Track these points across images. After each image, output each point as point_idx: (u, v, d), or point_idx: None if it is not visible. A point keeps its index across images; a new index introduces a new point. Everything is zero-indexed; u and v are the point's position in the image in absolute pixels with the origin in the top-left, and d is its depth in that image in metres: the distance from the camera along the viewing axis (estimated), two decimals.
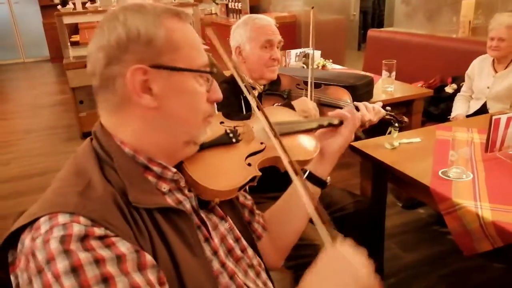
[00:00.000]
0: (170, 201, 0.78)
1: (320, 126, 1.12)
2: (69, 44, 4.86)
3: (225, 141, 0.94)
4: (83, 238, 0.62)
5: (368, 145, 1.78)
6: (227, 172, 0.89)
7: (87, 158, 0.74)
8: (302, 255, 1.26)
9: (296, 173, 0.81)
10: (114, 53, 0.72)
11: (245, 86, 0.88)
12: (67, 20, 4.53)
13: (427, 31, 3.88)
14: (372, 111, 1.68)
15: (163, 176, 0.78)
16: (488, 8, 3.41)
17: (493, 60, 2.65)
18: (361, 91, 2.34)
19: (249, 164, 0.93)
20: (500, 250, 1.25)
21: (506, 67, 2.60)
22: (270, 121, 0.89)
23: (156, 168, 0.77)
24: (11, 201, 3.16)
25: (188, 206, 0.81)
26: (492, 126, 1.57)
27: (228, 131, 0.96)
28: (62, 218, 0.63)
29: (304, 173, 1.08)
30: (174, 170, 0.79)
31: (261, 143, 0.99)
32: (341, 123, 1.11)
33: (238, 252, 0.90)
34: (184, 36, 0.76)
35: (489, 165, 1.56)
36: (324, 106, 1.77)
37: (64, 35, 4.55)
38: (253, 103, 0.90)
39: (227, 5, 7.09)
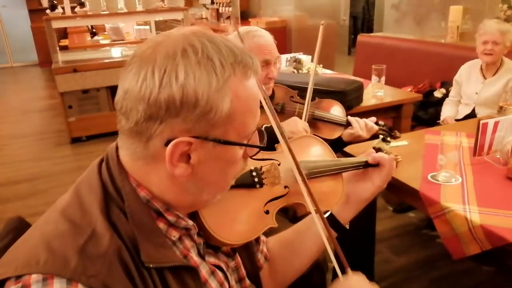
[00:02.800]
0: (181, 247, 0.72)
1: (352, 168, 1.02)
2: (58, 48, 4.82)
3: (248, 183, 0.86)
4: None
5: (358, 149, 1.79)
6: (241, 222, 0.82)
7: (93, 194, 0.66)
8: None
9: (326, 229, 0.78)
10: (159, 113, 0.60)
11: (276, 122, 0.79)
12: (56, 24, 4.49)
13: (416, 36, 3.93)
14: (364, 128, 1.68)
15: (175, 225, 0.71)
16: (476, 14, 3.47)
17: (481, 66, 2.67)
18: (351, 96, 2.36)
19: (267, 212, 0.85)
20: (489, 253, 1.26)
21: (495, 73, 2.62)
22: (298, 159, 0.80)
23: (170, 218, 0.69)
24: None
25: (195, 253, 0.75)
26: (480, 131, 1.59)
27: (254, 172, 0.87)
28: (57, 286, 0.56)
29: (325, 213, 0.98)
30: (191, 223, 0.73)
31: (285, 187, 0.91)
32: (373, 164, 1.00)
33: None
34: (246, 102, 0.65)
35: (477, 169, 1.57)
36: (317, 120, 1.74)
37: (53, 40, 4.51)
38: (283, 144, 0.81)
39: (217, 9, 7.11)
